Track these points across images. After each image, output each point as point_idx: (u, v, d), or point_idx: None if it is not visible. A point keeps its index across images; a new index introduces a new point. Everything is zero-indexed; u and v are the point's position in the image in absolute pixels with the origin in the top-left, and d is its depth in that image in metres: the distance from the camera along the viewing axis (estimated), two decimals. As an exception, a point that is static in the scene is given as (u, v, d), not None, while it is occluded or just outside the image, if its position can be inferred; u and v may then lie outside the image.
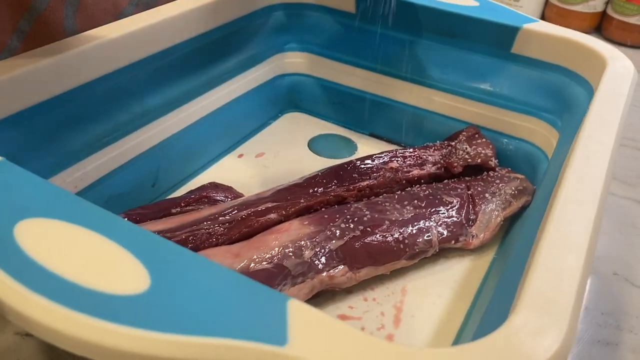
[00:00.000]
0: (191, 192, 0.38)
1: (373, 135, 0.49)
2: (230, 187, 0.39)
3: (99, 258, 0.18)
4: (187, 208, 0.36)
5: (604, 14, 0.82)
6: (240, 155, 0.45)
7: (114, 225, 0.20)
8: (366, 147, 0.48)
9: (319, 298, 0.33)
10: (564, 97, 0.40)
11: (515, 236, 0.36)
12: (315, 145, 0.47)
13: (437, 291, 0.34)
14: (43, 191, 0.21)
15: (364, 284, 0.34)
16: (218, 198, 0.38)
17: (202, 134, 0.42)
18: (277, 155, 0.45)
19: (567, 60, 0.39)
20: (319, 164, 0.45)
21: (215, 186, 0.39)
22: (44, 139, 0.31)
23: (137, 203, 0.38)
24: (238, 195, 0.39)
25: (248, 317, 0.17)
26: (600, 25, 0.83)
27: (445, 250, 0.37)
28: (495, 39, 0.41)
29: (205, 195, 0.38)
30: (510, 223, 0.39)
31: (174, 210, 0.36)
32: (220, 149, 0.45)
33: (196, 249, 0.32)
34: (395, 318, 0.32)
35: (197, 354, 0.16)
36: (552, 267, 0.21)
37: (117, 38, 0.33)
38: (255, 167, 0.44)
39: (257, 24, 0.46)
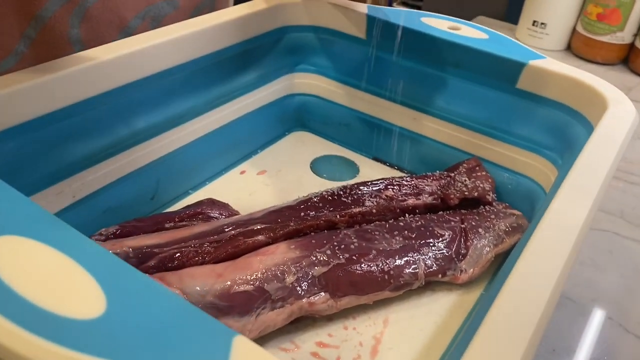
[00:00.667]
0: (187, 207, 0.39)
1: (376, 159, 0.49)
2: (227, 205, 0.40)
3: (61, 279, 0.19)
4: (180, 223, 0.37)
5: (632, 46, 0.80)
6: (243, 172, 0.46)
7: (82, 247, 0.21)
8: (368, 171, 0.48)
9: (299, 323, 0.33)
10: (565, 136, 0.39)
11: (502, 273, 0.36)
12: (318, 165, 0.48)
13: (419, 324, 0.34)
14: (23, 209, 0.22)
15: (345, 312, 0.34)
16: (213, 215, 0.39)
17: (205, 150, 0.43)
18: (278, 174, 0.46)
19: (571, 99, 0.39)
20: (318, 185, 0.45)
21: (211, 203, 0.40)
22: (45, 149, 0.32)
23: (135, 215, 0.39)
24: (233, 213, 0.40)
25: (191, 350, 0.17)
26: (627, 57, 0.82)
27: (432, 283, 0.37)
28: (500, 73, 0.41)
29: (200, 211, 0.38)
30: (502, 259, 0.39)
31: (167, 225, 0.37)
32: (223, 164, 0.46)
33: (182, 265, 0.33)
34: (373, 349, 0.32)
35: (136, 384, 0.16)
36: (510, 312, 0.21)
37: (125, 55, 0.34)
38: (255, 184, 0.45)
39: (270, 44, 0.47)
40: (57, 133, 0.33)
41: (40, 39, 0.36)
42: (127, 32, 0.41)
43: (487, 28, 0.45)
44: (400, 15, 0.45)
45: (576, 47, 0.84)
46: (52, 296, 0.18)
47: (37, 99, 0.31)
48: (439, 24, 0.44)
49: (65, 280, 0.19)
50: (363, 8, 0.46)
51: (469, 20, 0.96)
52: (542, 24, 0.83)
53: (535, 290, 0.23)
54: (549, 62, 0.40)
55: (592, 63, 0.83)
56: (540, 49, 0.85)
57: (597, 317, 0.40)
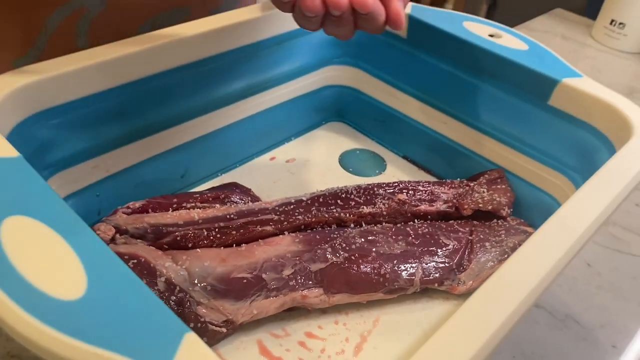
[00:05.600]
0: (212, 189, 0.42)
1: (406, 157, 0.50)
2: (249, 190, 0.43)
3: (54, 260, 0.22)
4: (202, 205, 0.40)
5: None
6: (272, 158, 0.48)
7: (80, 234, 0.24)
8: (395, 169, 0.49)
9: (294, 312, 0.36)
10: (590, 158, 0.38)
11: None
12: (347, 158, 0.49)
13: (408, 329, 0.36)
14: (38, 192, 0.25)
15: (339, 307, 0.36)
16: (234, 199, 0.41)
17: (239, 135, 0.46)
18: (306, 164, 0.48)
19: (599, 121, 0.38)
20: (342, 178, 0.47)
21: (235, 187, 0.42)
22: (83, 127, 0.36)
23: (164, 190, 0.42)
24: (255, 198, 0.42)
25: (146, 339, 0.20)
26: None
27: (430, 290, 0.38)
28: (534, 87, 0.40)
29: (223, 195, 0.41)
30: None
31: (189, 205, 0.40)
32: (255, 149, 0.48)
33: (193, 246, 0.36)
34: (357, 346, 0.34)
35: (92, 363, 0.19)
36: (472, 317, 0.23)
37: (161, 45, 0.37)
38: (281, 172, 0.47)
39: (311, 36, 0.48)
40: (96, 113, 0.36)
41: (51, 45, 0.40)
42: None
43: (529, 38, 0.44)
44: (442, 17, 0.45)
45: (655, 51, 0.78)
46: (43, 274, 0.22)
47: (79, 82, 0.34)
48: (479, 30, 0.44)
49: (57, 262, 0.22)
50: (407, 7, 0.46)
51: (547, 11, 0.92)
52: (620, 23, 0.79)
53: (503, 298, 0.24)
54: (583, 82, 0.39)
55: (670, 70, 0.78)
56: (617, 49, 0.81)
57: (601, 344, 0.40)
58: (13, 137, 0.31)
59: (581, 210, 0.30)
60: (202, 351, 0.20)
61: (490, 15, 1.00)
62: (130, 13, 0.43)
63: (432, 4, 2.40)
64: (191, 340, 0.20)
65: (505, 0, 1.03)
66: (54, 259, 0.22)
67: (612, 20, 0.79)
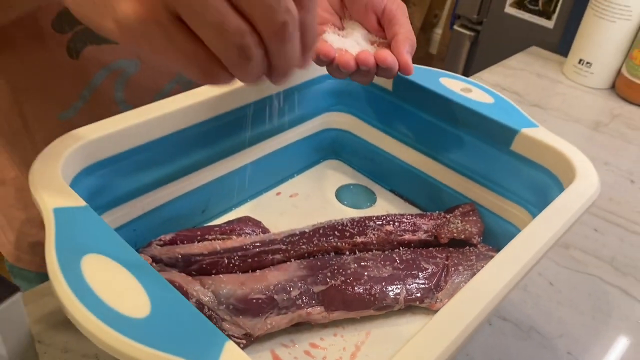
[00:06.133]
0: (228, 222, 0.50)
1: (393, 191, 0.58)
2: (260, 222, 0.50)
3: (123, 287, 0.30)
4: (221, 236, 0.48)
5: (673, 91, 0.83)
6: (278, 194, 0.56)
7: (137, 264, 0.31)
8: (384, 201, 0.57)
9: (299, 327, 0.43)
10: (544, 194, 0.46)
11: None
12: (343, 192, 0.57)
13: (394, 340, 0.43)
14: (104, 234, 0.33)
15: (337, 322, 0.44)
16: (247, 231, 0.49)
17: (249, 175, 0.54)
18: (307, 198, 0.56)
19: (550, 164, 0.46)
20: (338, 211, 0.55)
21: (247, 220, 0.50)
22: (124, 175, 0.44)
23: (189, 224, 0.50)
24: (265, 230, 0.50)
25: (197, 346, 0.27)
26: (669, 102, 0.84)
27: (414, 307, 0.45)
28: (498, 135, 0.48)
29: (238, 226, 0.49)
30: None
31: (210, 237, 0.47)
32: (263, 186, 0.56)
33: (217, 272, 0.44)
34: (352, 354, 0.42)
35: (161, 363, 0.27)
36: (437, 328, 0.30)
37: (185, 107, 0.45)
38: (286, 205, 0.55)
39: (312, 89, 0.56)
40: (134, 163, 0.44)
41: (93, 99, 0.48)
42: (162, 94, 0.52)
43: (495, 92, 0.52)
44: (422, 73, 0.53)
45: (619, 89, 0.87)
46: (117, 298, 0.29)
47: (121, 140, 0.42)
48: (453, 85, 0.52)
49: (125, 288, 0.30)
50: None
51: (523, 49, 1.01)
52: (587, 63, 0.87)
53: (465, 311, 0.31)
54: (538, 131, 0.47)
55: (634, 104, 0.86)
56: (585, 86, 0.89)
57: (559, 351, 0.47)
58: (73, 187, 0.39)
59: (534, 237, 0.37)
60: (238, 353, 0.27)
61: (472, 51, 1.09)
62: (159, 72, 0.51)
63: (421, 30, 2.50)
64: (230, 347, 0.28)
65: (485, 38, 1.13)
66: (123, 286, 0.30)
67: (581, 60, 0.88)
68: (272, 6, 0.24)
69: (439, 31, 2.52)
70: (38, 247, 0.58)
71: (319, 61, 0.43)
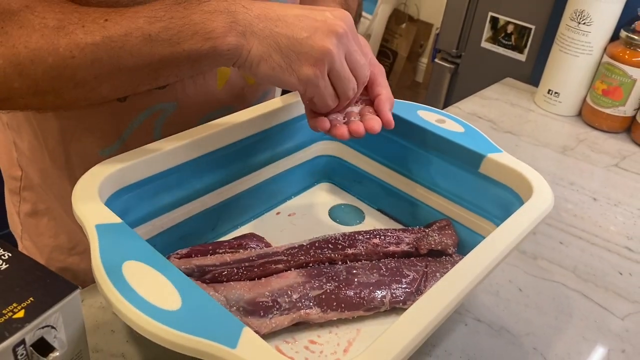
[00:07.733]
0: (235, 238, 0.57)
1: (380, 210, 0.65)
2: (263, 238, 0.57)
3: (157, 286, 0.37)
4: (229, 250, 0.55)
5: (633, 119, 0.91)
6: (278, 213, 0.63)
7: (167, 268, 0.38)
8: (371, 219, 0.64)
9: (299, 326, 0.50)
10: (508, 209, 0.53)
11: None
12: (334, 211, 0.64)
13: (381, 336, 0.50)
14: (139, 245, 0.40)
15: (332, 322, 0.50)
16: (252, 245, 0.56)
17: (252, 197, 0.61)
18: (303, 217, 0.63)
19: (512, 184, 0.53)
20: (331, 227, 0.62)
21: (252, 236, 0.57)
22: (146, 198, 0.51)
23: (201, 240, 0.57)
24: (267, 244, 0.57)
25: (220, 331, 0.34)
26: (630, 127, 0.93)
27: (398, 309, 0.52)
28: (468, 160, 0.56)
29: (244, 242, 0.56)
30: (453, 297, 0.54)
31: (220, 251, 0.54)
32: (264, 206, 0.63)
33: (227, 280, 0.50)
34: (345, 349, 0.48)
35: (192, 344, 0.33)
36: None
37: (199, 138, 0.52)
38: (285, 223, 0.62)
39: (306, 122, 0.63)
40: (155, 188, 0.51)
41: (132, 138, 0.55)
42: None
43: (466, 122, 0.60)
44: (402, 107, 0.61)
45: (585, 116, 0.96)
46: (153, 295, 0.36)
47: (145, 167, 0.49)
48: (429, 117, 0.60)
49: (160, 287, 0.37)
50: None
51: (499, 80, 1.10)
52: (556, 92, 0.96)
53: (431, 308, 0.38)
54: (502, 156, 0.55)
55: (598, 130, 0.95)
56: (554, 114, 0.98)
57: (525, 347, 0.54)
58: (107, 207, 0.46)
59: (494, 244, 0.44)
60: (253, 335, 0.34)
61: (452, 81, 1.19)
62: (194, 111, 0.57)
63: (407, 59, 2.61)
64: (247, 331, 0.35)
65: (464, 70, 1.22)
66: (158, 285, 0.37)
67: (550, 90, 0.97)
68: (355, 83, 0.49)
69: (424, 60, 2.64)
70: (66, 272, 0.64)
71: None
